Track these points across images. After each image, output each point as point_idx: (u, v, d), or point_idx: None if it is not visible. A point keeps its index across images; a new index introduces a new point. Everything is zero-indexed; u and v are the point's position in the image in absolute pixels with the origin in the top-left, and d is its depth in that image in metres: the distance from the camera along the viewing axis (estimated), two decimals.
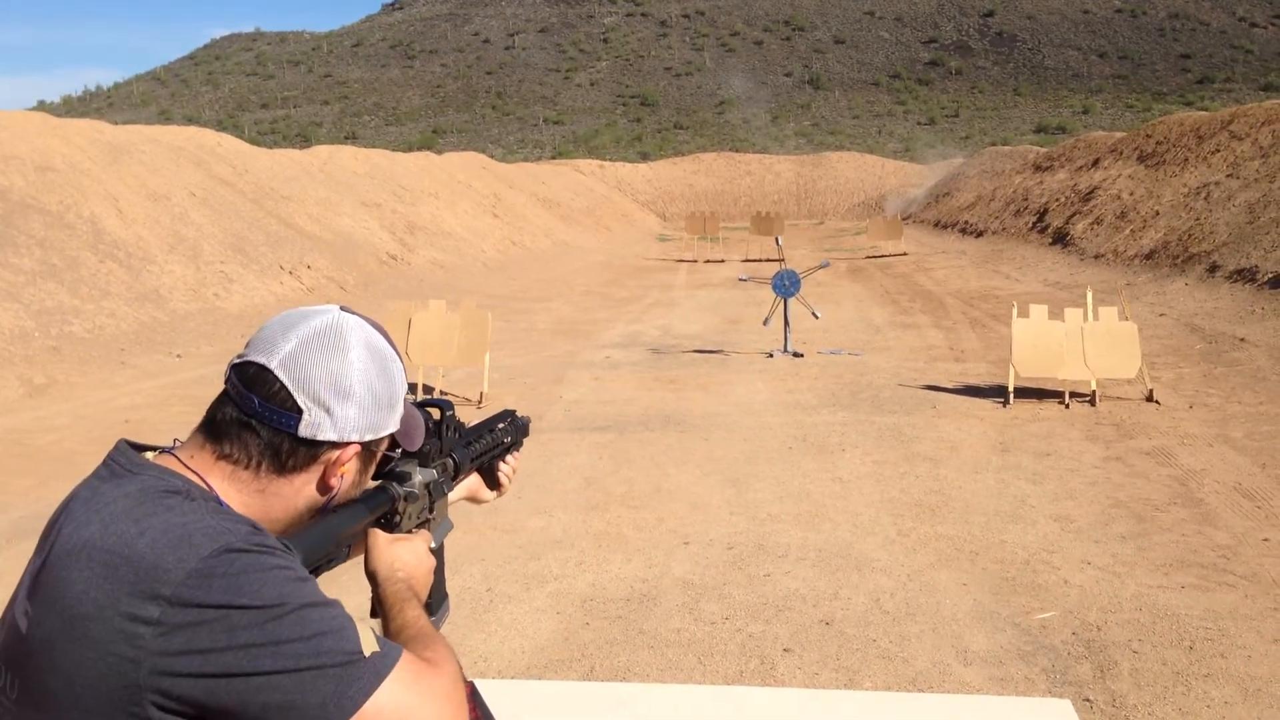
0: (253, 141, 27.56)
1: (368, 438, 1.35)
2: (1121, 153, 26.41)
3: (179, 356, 11.99)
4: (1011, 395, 9.07)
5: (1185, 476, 6.76)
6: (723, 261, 26.64)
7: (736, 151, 68.57)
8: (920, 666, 4.21)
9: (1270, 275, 13.92)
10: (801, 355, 11.87)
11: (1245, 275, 14.49)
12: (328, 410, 1.29)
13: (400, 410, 1.40)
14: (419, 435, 1.49)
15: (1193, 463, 7.07)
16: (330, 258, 18.78)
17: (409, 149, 39.71)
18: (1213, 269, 15.58)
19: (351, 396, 1.31)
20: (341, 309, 1.37)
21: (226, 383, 1.33)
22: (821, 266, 14.10)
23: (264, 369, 1.29)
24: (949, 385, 10.00)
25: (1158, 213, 20.33)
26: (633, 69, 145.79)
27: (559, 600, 4.92)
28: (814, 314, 12.48)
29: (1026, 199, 29.64)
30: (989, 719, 2.10)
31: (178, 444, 1.35)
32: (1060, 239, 23.40)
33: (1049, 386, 9.32)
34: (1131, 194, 22.63)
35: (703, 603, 4.89)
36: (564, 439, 8.20)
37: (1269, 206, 16.65)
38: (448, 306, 10.40)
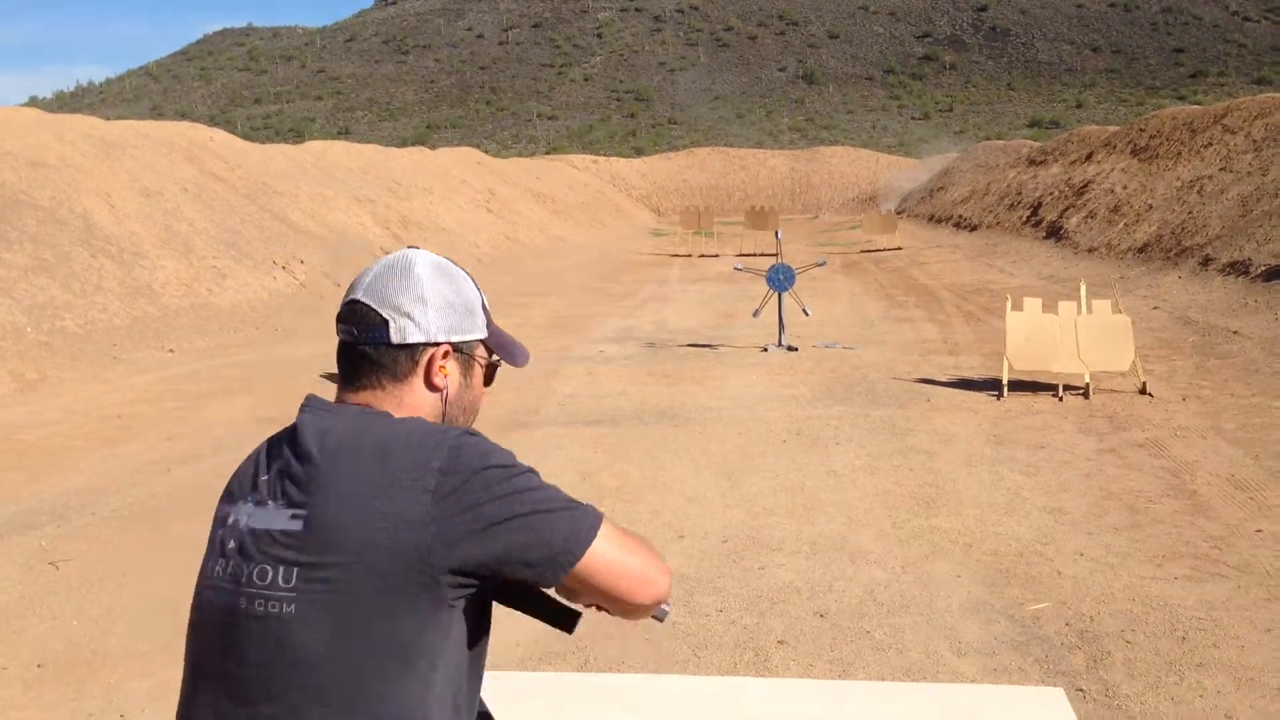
0: (245, 137, 27.51)
1: (454, 338, 1.57)
2: (1115, 147, 26.43)
3: (171, 351, 11.97)
4: (1005, 388, 9.08)
5: (1178, 468, 6.77)
6: (717, 256, 26.64)
7: (730, 146, 68.52)
8: (914, 657, 4.22)
9: (1263, 268, 13.95)
10: (796, 349, 11.88)
11: (1238, 268, 14.51)
12: (409, 315, 1.53)
13: (481, 318, 1.61)
14: (519, 353, 1.70)
15: (1186, 454, 7.08)
16: (324, 253, 18.76)
17: (402, 144, 39.65)
18: (1206, 262, 15.60)
19: (427, 302, 1.54)
20: (409, 248, 1.62)
21: (338, 331, 1.57)
22: (819, 264, 14.11)
23: (353, 301, 1.55)
24: (943, 378, 10.01)
25: (1151, 206, 20.35)
26: (626, 64, 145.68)
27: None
28: (804, 311, 12.48)
29: (1020, 193, 29.66)
30: (981, 707, 2.11)
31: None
32: (1054, 233, 23.42)
33: (1043, 379, 9.33)
34: (1125, 188, 22.65)
35: (697, 595, 4.90)
36: (558, 433, 8.20)
37: (1261, 199, 16.67)
38: None
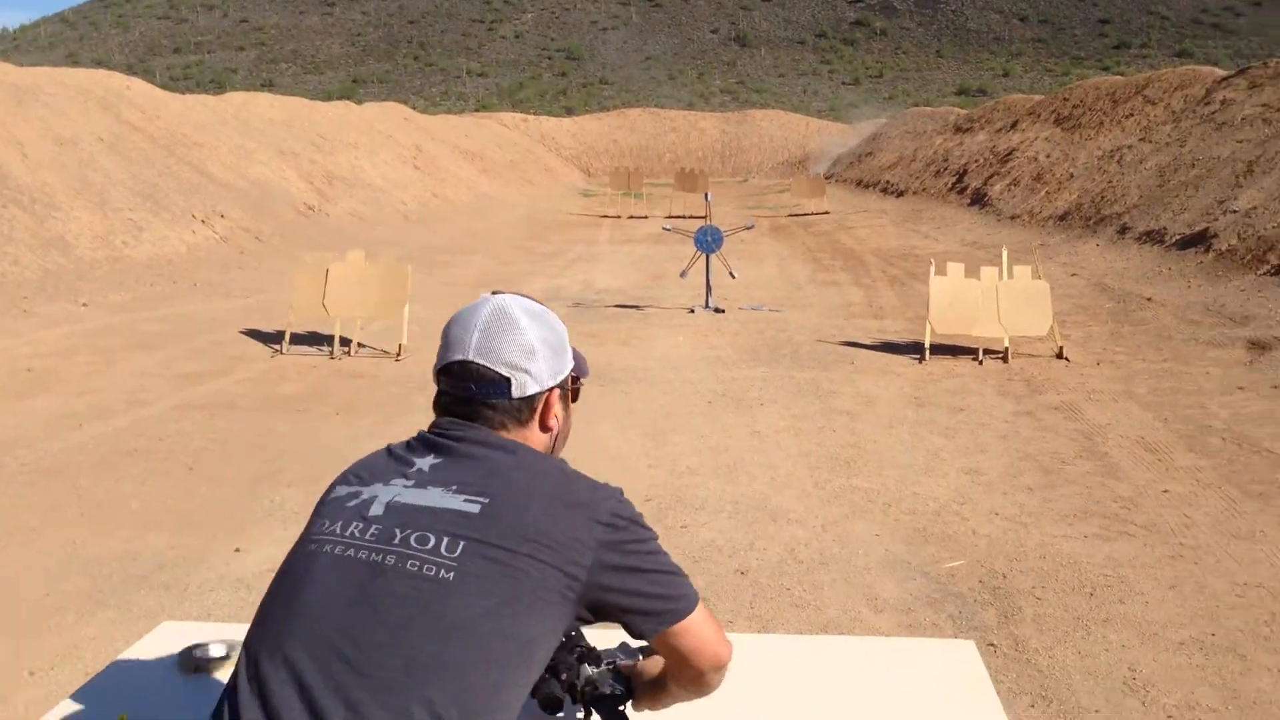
0: (165, 87, 26.77)
1: (560, 378, 1.72)
2: (1039, 115, 26.80)
3: (85, 305, 11.68)
4: (928, 352, 9.21)
5: (1091, 431, 6.93)
6: (646, 218, 26.58)
7: (662, 108, 68.27)
8: (832, 614, 4.29)
9: (1178, 237, 14.27)
10: (723, 311, 11.92)
11: (1154, 237, 14.83)
12: (526, 370, 1.66)
13: (569, 350, 1.77)
14: (584, 363, 1.84)
15: (1099, 417, 7.25)
16: (245, 207, 18.38)
17: (328, 98, 38.91)
18: (1123, 230, 15.92)
19: (537, 354, 1.67)
20: (494, 293, 1.75)
21: (439, 383, 1.70)
22: (747, 228, 14.15)
23: (465, 362, 1.65)
24: (867, 342, 10.12)
25: (1072, 175, 20.70)
26: (558, 22, 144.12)
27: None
28: (731, 274, 12.51)
29: (947, 160, 29.98)
30: (895, 660, 2.14)
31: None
32: (978, 199, 23.73)
33: (964, 343, 9.48)
34: (1048, 156, 23.00)
35: None
36: None
37: (1178, 170, 17.03)
38: (366, 258, 10.25)
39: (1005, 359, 9.08)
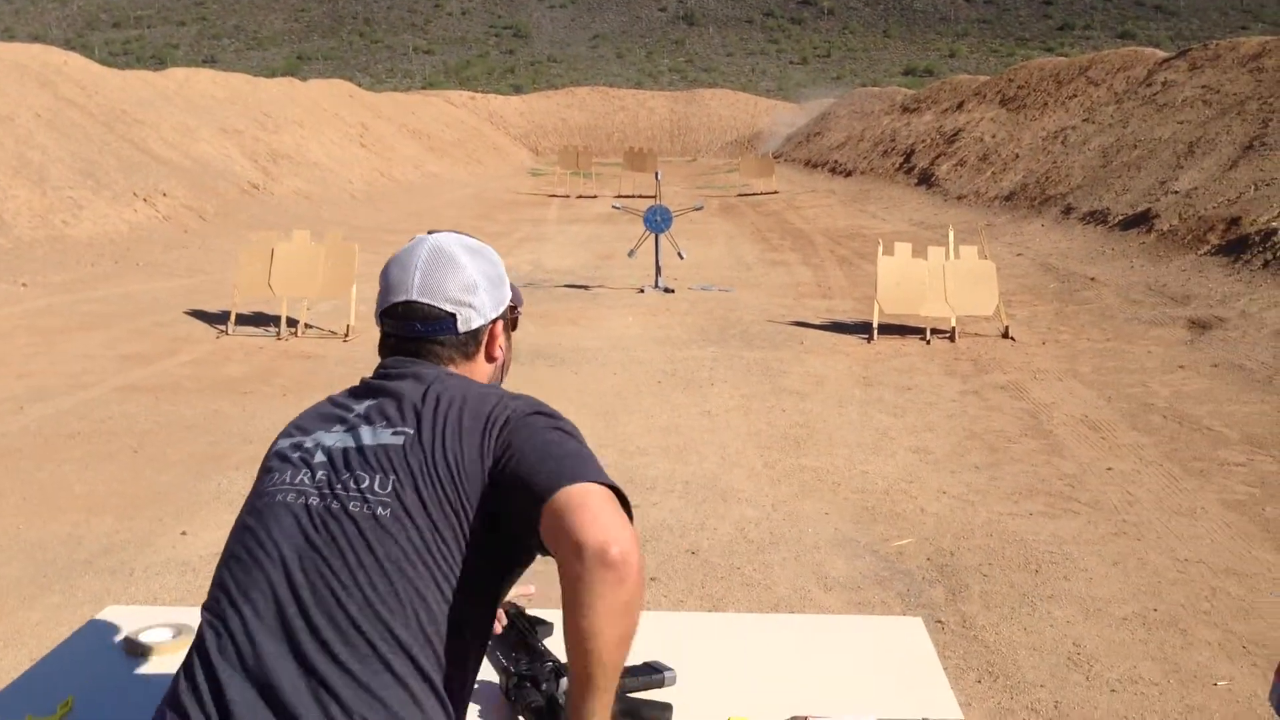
0: (104, 62, 26.22)
1: (502, 309, 1.78)
2: (985, 96, 27.04)
3: (24, 285, 11.44)
4: (876, 331, 9.28)
5: (1036, 409, 7.03)
6: (595, 197, 26.50)
7: (610, 87, 68.03)
8: (782, 593, 4.32)
9: (1120, 217, 14.48)
10: (672, 291, 11.93)
11: (1097, 217, 15.04)
12: (470, 305, 1.71)
13: (508, 281, 1.82)
14: (520, 293, 1.88)
15: (1044, 396, 7.35)
16: (188, 185, 18.08)
17: (271, 75, 38.33)
18: (1067, 211, 16.12)
19: (478, 288, 1.72)
20: (429, 233, 1.78)
21: (383, 326, 1.74)
22: (696, 208, 14.17)
23: (409, 303, 1.69)
24: (816, 321, 10.17)
25: (1018, 155, 20.92)
26: (506, 0, 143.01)
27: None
28: (679, 254, 12.52)
29: (894, 140, 30.17)
30: (844, 637, 2.16)
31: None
32: (925, 180, 23.91)
33: (911, 323, 9.55)
34: (994, 136, 23.22)
35: None
36: None
37: (1121, 151, 17.27)
38: (312, 237, 10.13)
39: (952, 338, 9.17)
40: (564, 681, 1.80)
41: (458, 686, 1.51)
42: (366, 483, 1.51)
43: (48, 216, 14.13)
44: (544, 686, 1.79)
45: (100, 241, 14.15)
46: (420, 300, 1.68)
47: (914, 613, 4.09)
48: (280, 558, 1.49)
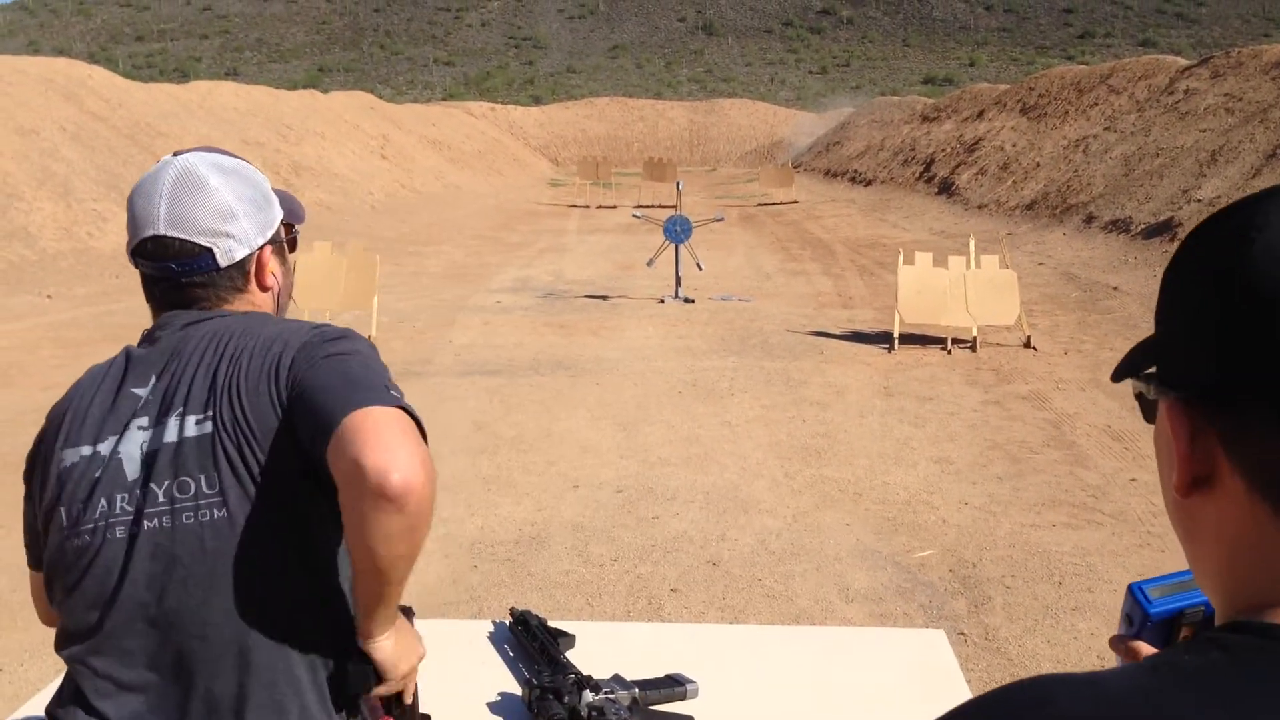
0: (127, 75, 26.46)
1: (269, 234, 1.56)
2: (1005, 105, 26.95)
3: (49, 297, 11.54)
4: (896, 341, 9.25)
5: (1059, 420, 6.99)
6: (615, 207, 26.55)
7: (629, 97, 68.19)
8: (803, 604, 4.31)
9: (1143, 226, 14.40)
10: (692, 301, 11.93)
11: (1119, 226, 14.96)
12: (228, 234, 1.49)
13: (274, 199, 1.61)
14: (296, 206, 1.75)
15: (1066, 406, 7.31)
16: None
17: (293, 87, 38.56)
18: (1089, 219, 16.04)
19: (236, 213, 1.50)
20: (175, 154, 1.54)
21: (139, 267, 1.52)
22: (716, 220, 14.18)
23: (158, 238, 1.47)
24: (836, 331, 10.15)
25: (1038, 164, 20.84)
26: (525, 10, 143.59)
27: (447, 544, 4.90)
28: (698, 265, 12.51)
29: (914, 149, 30.10)
30: (866, 649, 2.16)
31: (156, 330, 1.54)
32: (946, 189, 23.85)
33: (932, 333, 9.52)
34: (1014, 145, 23.14)
35: (591, 545, 4.92)
36: (453, 383, 8.13)
37: (1143, 159, 17.18)
38: (333, 248, 10.18)
39: (974, 348, 9.13)
40: (587, 694, 1.80)
41: (343, 614, 1.44)
42: (193, 488, 1.38)
43: (72, 229, 14.25)
44: (566, 699, 1.79)
45: (124, 254, 14.26)
46: (170, 235, 1.47)
47: (936, 624, 4.07)
48: (132, 596, 1.38)
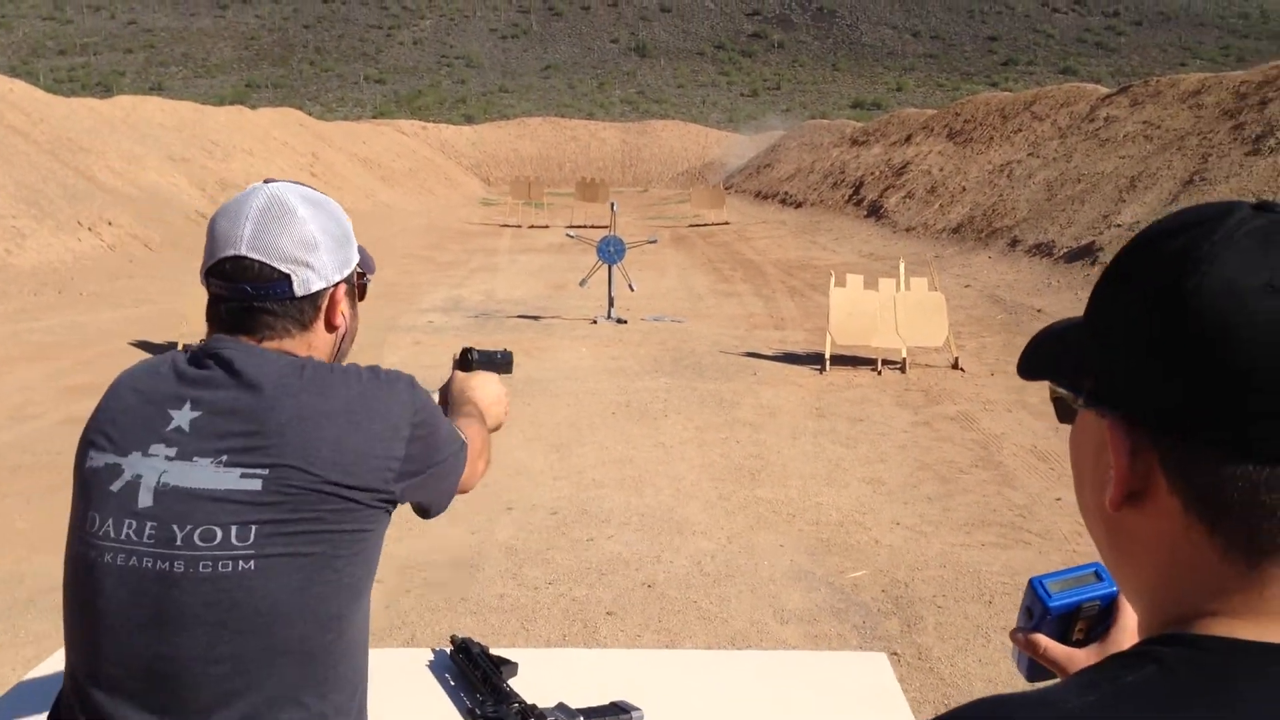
0: (49, 89, 25.92)
1: (347, 272, 1.57)
2: (933, 130, 27.42)
3: None
4: (828, 362, 9.34)
5: (986, 440, 7.10)
6: (547, 227, 26.52)
7: (562, 117, 68.27)
8: (739, 626, 4.31)
9: (1065, 250, 14.72)
10: (625, 322, 11.94)
11: (1043, 250, 15.27)
12: (308, 265, 1.48)
13: (355, 241, 1.62)
14: (370, 260, 1.72)
15: (993, 427, 7.43)
16: (134, 214, 17.88)
17: (220, 103, 38.07)
18: (1014, 243, 16.36)
19: (319, 245, 1.50)
20: (266, 182, 1.55)
21: (211, 287, 1.50)
22: (650, 242, 14.23)
23: (238, 258, 1.46)
24: (768, 352, 10.22)
25: (965, 188, 21.22)
26: (457, 29, 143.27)
27: (378, 568, 4.82)
28: (630, 286, 12.54)
29: (844, 172, 30.50)
30: (808, 673, 2.16)
31: (189, 348, 1.50)
32: (875, 211, 24.18)
33: (863, 354, 9.63)
34: (941, 169, 23.55)
35: (526, 568, 4.89)
36: None
37: (1065, 184, 17.57)
38: None
39: (903, 369, 9.25)
40: None
41: (356, 673, 1.48)
42: (220, 538, 1.34)
43: None
44: None
45: (44, 271, 13.94)
46: (251, 256, 1.45)
47: (870, 645, 4.11)
48: (125, 634, 1.36)
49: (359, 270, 1.65)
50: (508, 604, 4.50)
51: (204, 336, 1.52)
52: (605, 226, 14.09)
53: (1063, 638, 1.09)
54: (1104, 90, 22.81)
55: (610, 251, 12.21)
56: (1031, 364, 0.80)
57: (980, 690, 3.75)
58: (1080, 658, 1.07)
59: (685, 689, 2.05)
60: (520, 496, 5.91)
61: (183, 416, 1.40)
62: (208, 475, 1.36)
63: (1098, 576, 1.09)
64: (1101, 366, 0.70)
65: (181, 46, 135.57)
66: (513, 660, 2.09)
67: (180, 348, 1.58)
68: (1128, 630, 1.08)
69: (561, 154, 56.38)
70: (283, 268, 1.46)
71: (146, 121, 24.56)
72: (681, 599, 4.56)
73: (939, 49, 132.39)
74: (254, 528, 1.35)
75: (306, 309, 1.51)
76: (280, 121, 33.95)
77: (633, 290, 12.72)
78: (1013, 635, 1.13)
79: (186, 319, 9.62)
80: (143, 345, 10.10)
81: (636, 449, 6.92)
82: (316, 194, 1.57)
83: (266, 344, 1.49)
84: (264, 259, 1.46)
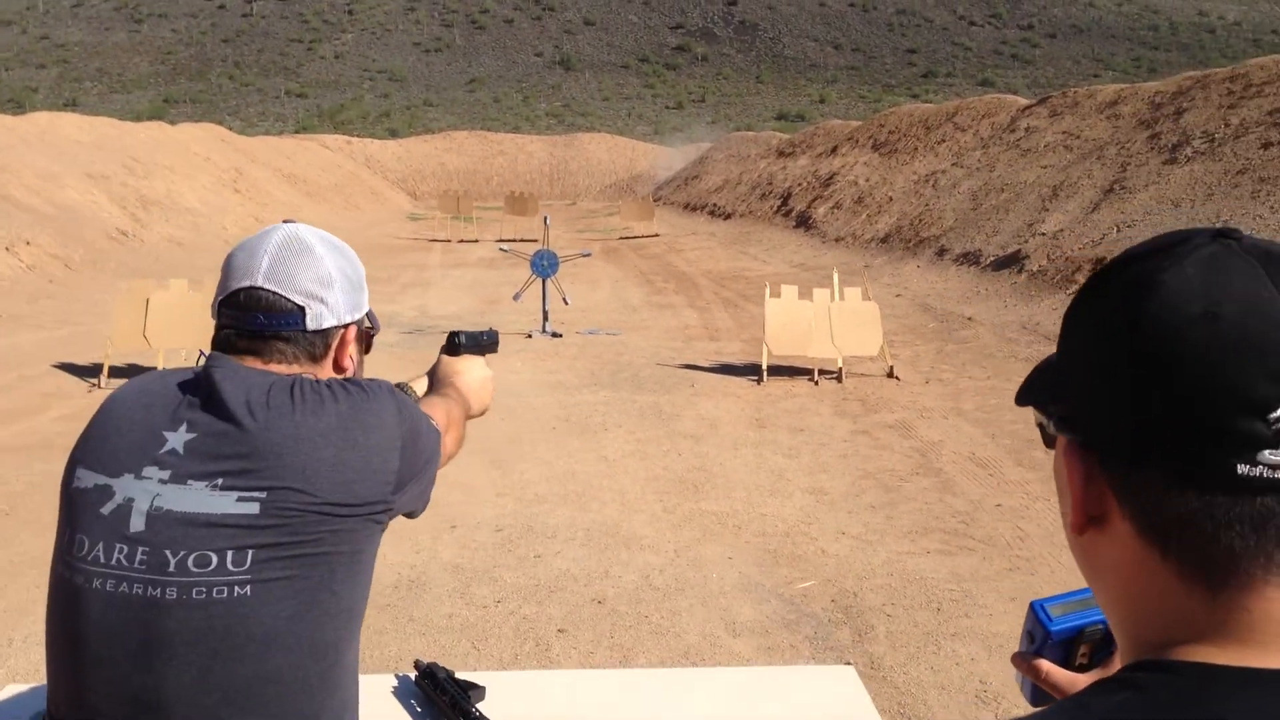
0: None
1: (357, 315, 1.59)
2: (858, 141, 27.76)
3: None
4: (765, 373, 9.38)
5: (925, 448, 7.18)
6: (477, 241, 26.36)
7: (488, 130, 68.04)
8: (691, 640, 4.30)
9: (992, 258, 14.96)
10: (560, 335, 11.90)
11: (970, 258, 15.51)
12: (321, 300, 1.50)
13: (366, 290, 1.64)
14: (376, 319, 1.73)
15: (931, 435, 7.51)
16: (53, 233, 17.44)
17: (137, 118, 37.35)
18: (941, 252, 16.60)
19: (334, 284, 1.52)
20: (285, 222, 1.59)
21: (221, 318, 1.50)
22: (583, 255, 14.21)
23: (253, 289, 1.47)
24: (705, 364, 10.25)
25: (891, 198, 21.49)
26: (379, 43, 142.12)
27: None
28: (564, 299, 12.51)
29: (771, 183, 30.74)
30: (778, 689, 2.16)
31: (203, 355, 1.53)
32: (803, 222, 24.39)
33: (799, 364, 9.69)
34: (868, 180, 23.84)
35: (474, 586, 4.83)
36: None
37: (989, 194, 17.88)
38: (190, 286, 9.84)
39: (839, 379, 9.33)
40: None
41: (347, 699, 1.45)
42: (214, 563, 1.31)
43: None
44: None
45: None
46: (266, 287, 1.47)
47: (823, 655, 4.12)
48: (112, 662, 1.32)
49: (369, 323, 1.68)
50: (457, 624, 4.44)
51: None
52: (536, 240, 14.05)
53: (1066, 662, 1.08)
54: (1023, 101, 23.28)
55: (544, 265, 12.17)
56: (1022, 390, 0.81)
57: (934, 699, 3.78)
58: (1084, 682, 1.07)
59: (656, 708, 2.03)
60: (463, 514, 5.85)
61: (177, 438, 1.38)
62: (203, 499, 1.34)
63: None
64: (1064, 391, 0.72)
65: (96, 61, 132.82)
66: (480, 684, 2.05)
67: (198, 359, 1.57)
68: None
69: (489, 168, 56.15)
70: (297, 300, 1.49)
71: (64, 138, 24.01)
72: (633, 614, 4.54)
73: (860, 61, 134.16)
74: (251, 552, 1.33)
75: (317, 343, 1.52)
76: (202, 137, 33.38)
77: (567, 304, 12.68)
78: (1015, 659, 1.12)
79: (112, 340, 9.40)
80: (67, 368, 9.84)
81: (579, 463, 6.89)
82: (333, 237, 1.61)
83: (273, 365, 1.49)
84: (279, 290, 1.48)
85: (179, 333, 9.38)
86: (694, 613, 4.55)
